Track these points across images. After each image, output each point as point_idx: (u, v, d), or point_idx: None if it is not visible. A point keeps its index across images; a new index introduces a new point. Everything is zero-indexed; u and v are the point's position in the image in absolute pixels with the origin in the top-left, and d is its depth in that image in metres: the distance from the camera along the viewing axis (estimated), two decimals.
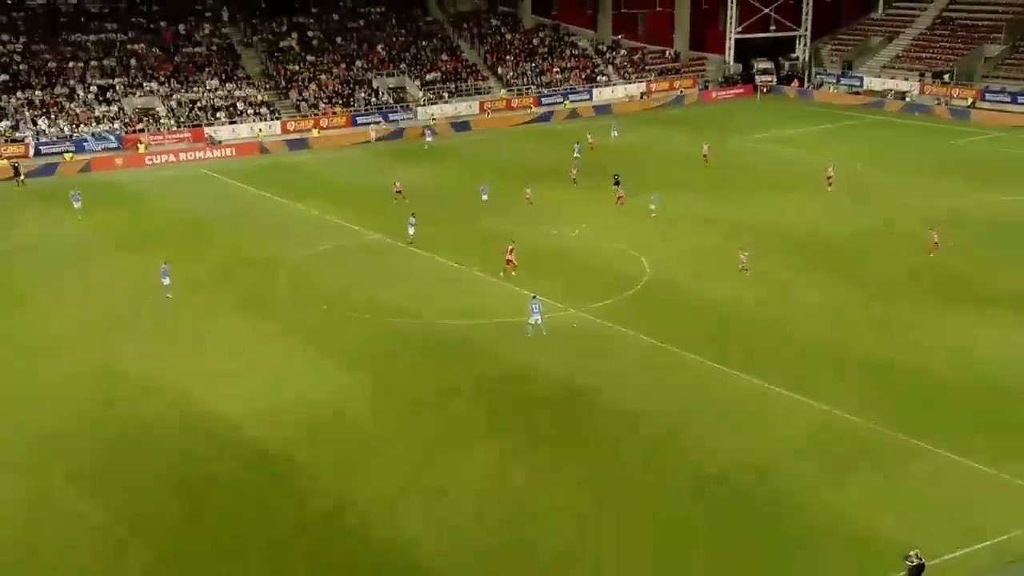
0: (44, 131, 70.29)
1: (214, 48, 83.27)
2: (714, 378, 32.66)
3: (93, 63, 77.43)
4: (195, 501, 26.20)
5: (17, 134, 69.32)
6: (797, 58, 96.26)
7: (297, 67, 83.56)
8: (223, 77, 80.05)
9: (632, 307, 38.97)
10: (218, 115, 76.03)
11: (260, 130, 75.46)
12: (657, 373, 33.28)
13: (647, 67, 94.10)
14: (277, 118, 77.50)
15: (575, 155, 62.63)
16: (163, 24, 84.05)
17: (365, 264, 45.29)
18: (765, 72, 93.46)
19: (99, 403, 31.74)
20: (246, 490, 26.61)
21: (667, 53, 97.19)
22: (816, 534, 24.01)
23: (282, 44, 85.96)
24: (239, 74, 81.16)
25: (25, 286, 43.40)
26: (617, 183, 54.68)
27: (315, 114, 78.69)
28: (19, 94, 72.70)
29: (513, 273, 41.90)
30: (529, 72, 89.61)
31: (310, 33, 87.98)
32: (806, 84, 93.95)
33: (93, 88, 75.20)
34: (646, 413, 30.42)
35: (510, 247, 42.10)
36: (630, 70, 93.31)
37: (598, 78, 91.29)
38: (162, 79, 78.16)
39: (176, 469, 27.67)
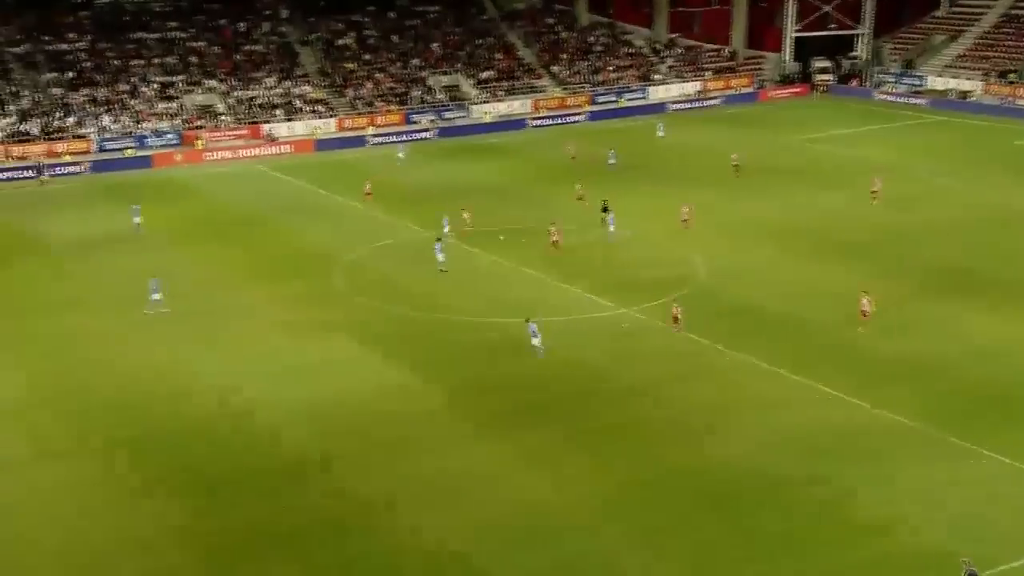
0: (108, 127, 73.27)
1: (273, 46, 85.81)
2: (764, 379, 32.92)
3: (155, 61, 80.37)
4: (234, 495, 26.82)
5: (81, 130, 72.40)
6: (857, 57, 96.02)
7: (353, 65, 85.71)
8: (281, 75, 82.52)
9: (683, 308, 39.00)
10: (275, 112, 78.46)
11: (316, 127, 77.72)
12: (702, 372, 33.67)
13: (703, 66, 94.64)
14: (333, 115, 79.69)
15: (610, 161, 63.87)
16: (223, 22, 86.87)
17: (417, 261, 46.06)
18: (823, 71, 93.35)
19: (142, 398, 32.79)
20: (286, 483, 27.22)
21: (723, 51, 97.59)
22: (870, 535, 24.28)
23: (339, 42, 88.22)
24: (297, 72, 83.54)
25: (80, 281, 45.28)
26: (605, 210, 49.55)
27: (370, 112, 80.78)
28: (84, 91, 75.83)
29: (558, 250, 44.58)
30: (584, 71, 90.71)
31: (367, 31, 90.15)
32: (866, 83, 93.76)
33: (155, 85, 78.08)
34: (688, 411, 30.91)
35: (552, 228, 45.13)
36: (685, 68, 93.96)
37: (653, 77, 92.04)
38: (221, 76, 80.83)
39: (216, 463, 28.50)
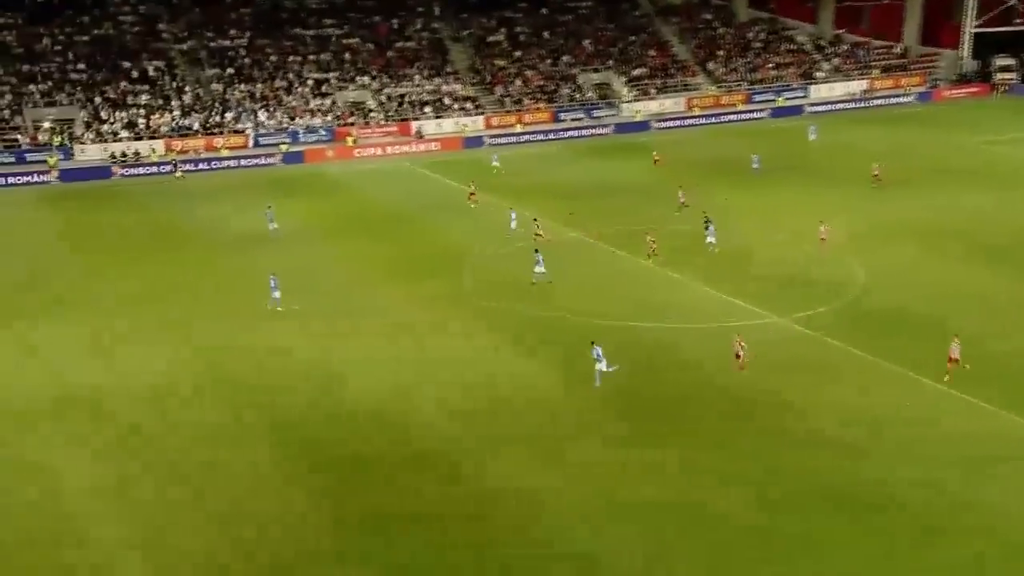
0: (263, 123, 75.95)
1: (424, 43, 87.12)
2: (910, 389, 31.30)
3: (311, 57, 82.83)
4: (375, 482, 27.36)
5: (239, 125, 75.29)
6: None
7: (504, 62, 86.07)
8: (432, 72, 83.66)
9: (841, 318, 37.58)
10: (425, 109, 79.57)
11: (464, 125, 78.37)
12: (847, 381, 32.19)
13: (870, 63, 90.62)
14: (481, 113, 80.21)
15: (754, 166, 61.54)
16: (377, 19, 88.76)
17: (558, 262, 45.07)
18: (1005, 69, 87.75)
19: (277, 390, 33.47)
20: (406, 474, 27.69)
21: (894, 48, 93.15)
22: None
23: (490, 39, 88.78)
24: (447, 69, 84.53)
25: (234, 273, 46.73)
26: (707, 225, 46.46)
27: (518, 109, 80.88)
28: (242, 87, 78.87)
29: (656, 255, 43.72)
30: (741, 68, 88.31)
31: (518, 28, 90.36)
32: None
33: (309, 82, 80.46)
34: (834, 423, 29.46)
35: (650, 238, 44.36)
36: (851, 66, 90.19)
37: (815, 75, 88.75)
38: (374, 73, 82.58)
39: (352, 448, 29.22)
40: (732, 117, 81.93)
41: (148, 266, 47.57)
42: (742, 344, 33.09)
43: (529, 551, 24.18)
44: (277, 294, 40.20)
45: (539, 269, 41.65)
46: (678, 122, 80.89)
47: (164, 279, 45.52)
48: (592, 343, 32.74)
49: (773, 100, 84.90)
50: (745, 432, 29.42)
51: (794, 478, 26.74)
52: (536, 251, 42.57)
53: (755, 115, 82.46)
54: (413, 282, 43.80)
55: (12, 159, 69.23)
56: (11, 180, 66.46)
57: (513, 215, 50.25)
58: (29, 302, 42.83)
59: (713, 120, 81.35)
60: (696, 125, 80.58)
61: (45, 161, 68.16)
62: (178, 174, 67.83)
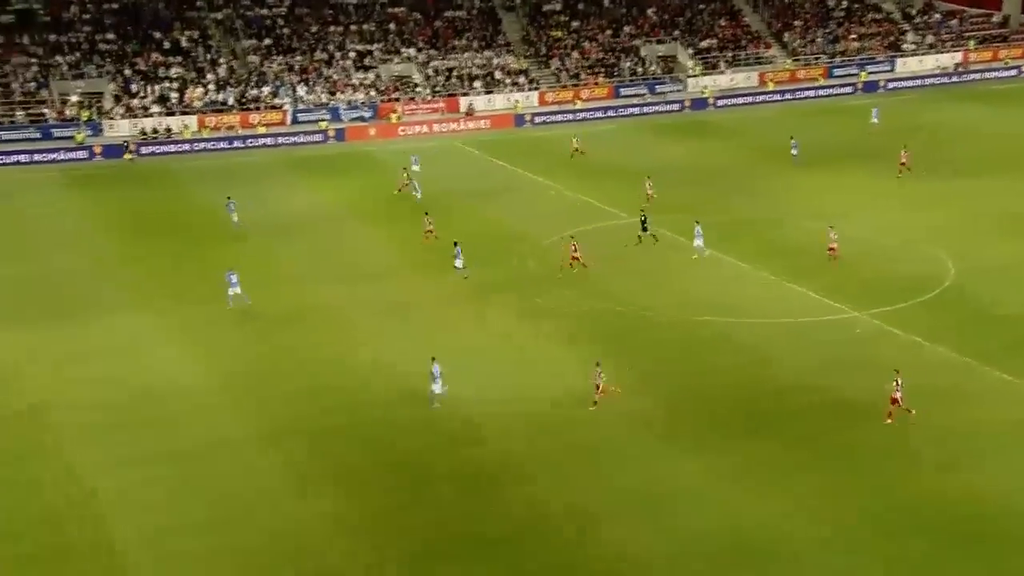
0: (302, 98, 73.72)
1: (475, 12, 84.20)
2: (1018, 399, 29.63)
3: (353, 28, 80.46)
4: (432, 492, 26.63)
5: (276, 100, 73.13)
6: None
7: (560, 33, 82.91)
8: (482, 44, 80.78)
9: (927, 314, 36.07)
10: (474, 84, 76.73)
11: (517, 101, 75.37)
12: (946, 388, 30.69)
13: (965, 34, 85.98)
14: (535, 88, 77.14)
15: (792, 152, 57.57)
16: None
17: (617, 251, 44.05)
18: None
19: (323, 390, 32.62)
20: (485, 484, 27.02)
21: (993, 17, 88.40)
22: None
23: (545, 8, 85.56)
24: (499, 40, 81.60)
25: (269, 256, 45.49)
26: (643, 224, 44.31)
27: (575, 84, 77.65)
28: (280, 59, 76.71)
29: (584, 266, 40.39)
30: (820, 40, 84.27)
31: None
32: None
33: (351, 54, 78.09)
34: (931, 434, 28.05)
35: (573, 244, 40.41)
36: (943, 37, 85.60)
37: (903, 46, 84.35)
38: (420, 45, 79.94)
39: (403, 448, 28.84)
40: (809, 93, 78.09)
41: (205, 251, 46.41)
42: (600, 377, 30.38)
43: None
44: (236, 290, 38.79)
45: (459, 263, 41.03)
46: (749, 99, 77.16)
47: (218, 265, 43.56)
48: (432, 359, 31.13)
49: (856, 74, 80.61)
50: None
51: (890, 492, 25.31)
52: (456, 244, 41.45)
53: (835, 91, 78.44)
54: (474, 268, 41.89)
55: (38, 134, 67.97)
56: (36, 158, 65.14)
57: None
58: (106, 292, 41.65)
59: (788, 97, 77.68)
60: (769, 102, 76.82)
61: (72, 137, 66.87)
62: (128, 157, 65.27)
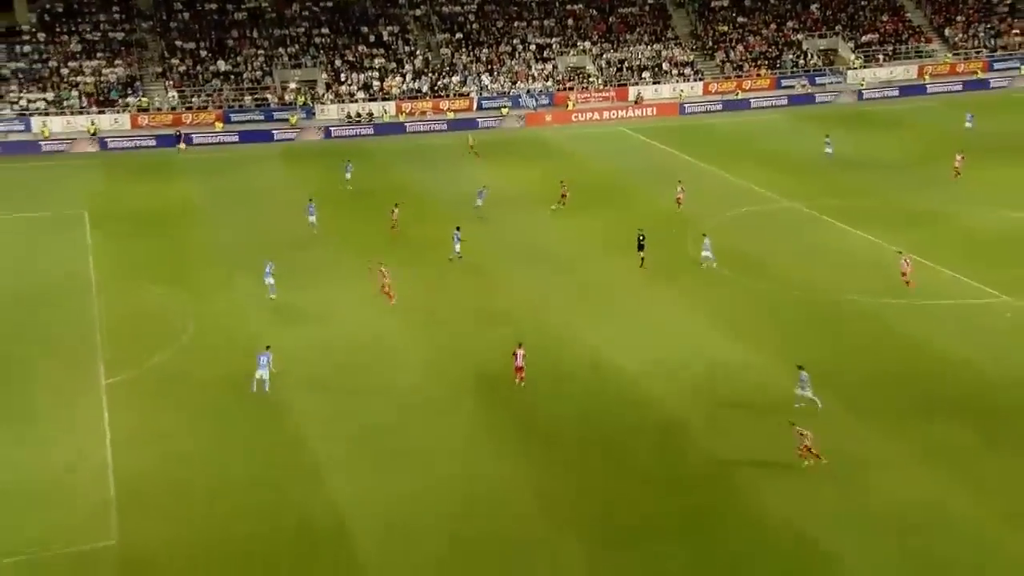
0: (487, 86, 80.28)
1: (647, 8, 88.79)
2: None
3: (535, 23, 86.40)
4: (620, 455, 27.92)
5: (464, 88, 79.95)
6: None
7: (727, 27, 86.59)
8: (652, 37, 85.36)
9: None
10: (643, 75, 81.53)
11: (681, 91, 79.83)
12: None
13: None
14: (700, 79, 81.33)
15: (826, 151, 58.78)
16: None
17: (776, 233, 46.15)
18: None
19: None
20: (635, 447, 28.40)
21: None
22: None
23: (714, 4, 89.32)
24: (668, 34, 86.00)
25: (425, 239, 46.73)
26: (640, 242, 42.91)
27: (738, 76, 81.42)
28: (469, 51, 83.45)
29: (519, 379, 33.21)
30: (982, 34, 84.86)
31: None
32: None
33: (532, 47, 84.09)
34: None
35: (518, 350, 32.49)
36: None
37: None
38: (595, 39, 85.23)
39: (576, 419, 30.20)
40: (958, 88, 79.41)
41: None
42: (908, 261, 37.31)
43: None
44: (271, 280, 39.01)
45: (457, 248, 42.86)
46: (906, 91, 79.00)
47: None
48: (267, 347, 31.38)
49: (1017, 68, 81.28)
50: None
51: None
52: (457, 228, 43.21)
53: (994, 85, 79.45)
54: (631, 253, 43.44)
55: (261, 116, 76.49)
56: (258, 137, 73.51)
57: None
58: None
59: (943, 90, 79.01)
60: (925, 95, 78.57)
61: (287, 119, 74.94)
62: (181, 146, 69.98)
